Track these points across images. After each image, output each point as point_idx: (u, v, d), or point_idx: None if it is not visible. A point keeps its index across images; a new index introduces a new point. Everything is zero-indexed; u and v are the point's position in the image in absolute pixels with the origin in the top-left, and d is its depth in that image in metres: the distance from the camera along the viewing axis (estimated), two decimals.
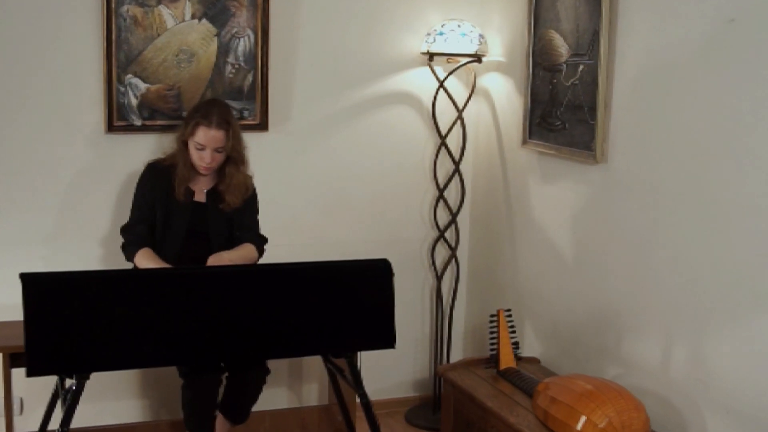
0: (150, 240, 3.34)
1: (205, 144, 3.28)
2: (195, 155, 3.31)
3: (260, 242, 3.48)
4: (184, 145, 3.33)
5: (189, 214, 3.37)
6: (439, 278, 4.21)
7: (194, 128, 3.28)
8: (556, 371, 3.58)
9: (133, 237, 3.34)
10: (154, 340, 2.78)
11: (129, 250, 3.33)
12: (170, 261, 3.30)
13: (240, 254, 3.34)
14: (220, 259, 3.25)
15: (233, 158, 3.37)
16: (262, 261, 3.47)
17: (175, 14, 3.60)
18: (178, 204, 3.35)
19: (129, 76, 3.58)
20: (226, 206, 3.38)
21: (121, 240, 3.39)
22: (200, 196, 3.41)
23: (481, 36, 3.86)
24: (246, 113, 3.76)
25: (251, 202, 3.49)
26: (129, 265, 3.42)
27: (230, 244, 3.41)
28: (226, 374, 3.42)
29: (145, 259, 3.27)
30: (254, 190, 3.50)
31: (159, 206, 3.35)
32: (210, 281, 2.89)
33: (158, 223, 3.36)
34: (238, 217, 3.43)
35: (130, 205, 3.42)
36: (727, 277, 2.74)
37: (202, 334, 2.83)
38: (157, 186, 3.35)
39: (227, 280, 2.91)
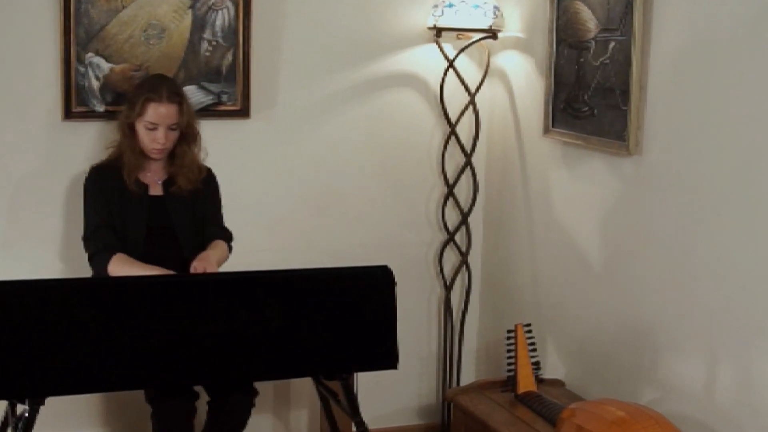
0: (120, 244, 3.35)
1: (157, 122, 3.32)
2: (146, 137, 3.34)
3: (229, 238, 3.55)
4: (130, 129, 3.36)
5: (147, 210, 3.40)
6: (447, 288, 4.21)
7: (143, 106, 3.31)
8: (583, 396, 3.59)
9: (100, 244, 3.33)
10: (119, 359, 2.78)
11: (99, 260, 3.31)
12: None
13: (219, 254, 3.42)
14: (208, 261, 3.29)
15: (186, 135, 3.42)
16: (244, 267, 3.47)
17: None
18: (133, 200, 3.38)
19: (90, 54, 3.58)
20: (176, 189, 3.42)
21: (83, 253, 3.38)
22: (156, 189, 3.44)
23: (496, 8, 3.86)
24: (225, 98, 3.76)
25: (213, 191, 3.55)
26: (90, 273, 3.42)
27: (198, 238, 3.45)
28: (207, 400, 3.42)
29: (123, 265, 3.27)
30: (214, 177, 3.56)
31: (113, 206, 3.36)
32: (183, 291, 2.89)
33: (115, 225, 3.37)
34: (202, 208, 3.48)
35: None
36: None
37: (174, 353, 2.83)
38: (106, 186, 3.38)
39: (203, 290, 2.90)
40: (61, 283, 3.01)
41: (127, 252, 3.34)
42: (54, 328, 2.71)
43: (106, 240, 3.33)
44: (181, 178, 3.43)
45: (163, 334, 2.82)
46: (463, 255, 4.19)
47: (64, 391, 2.83)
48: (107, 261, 3.29)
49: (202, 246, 3.44)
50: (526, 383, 3.49)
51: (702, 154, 3.00)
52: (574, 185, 3.65)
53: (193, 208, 3.47)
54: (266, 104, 3.87)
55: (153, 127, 3.32)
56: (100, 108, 3.62)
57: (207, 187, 3.52)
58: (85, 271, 3.46)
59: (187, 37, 3.69)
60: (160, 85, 3.35)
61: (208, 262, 3.29)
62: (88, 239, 3.37)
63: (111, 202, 3.37)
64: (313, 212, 4.01)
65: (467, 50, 3.97)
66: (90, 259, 3.36)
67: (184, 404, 3.29)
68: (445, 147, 4.09)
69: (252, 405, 3.42)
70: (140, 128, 3.34)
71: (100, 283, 3.02)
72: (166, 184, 3.45)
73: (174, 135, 3.37)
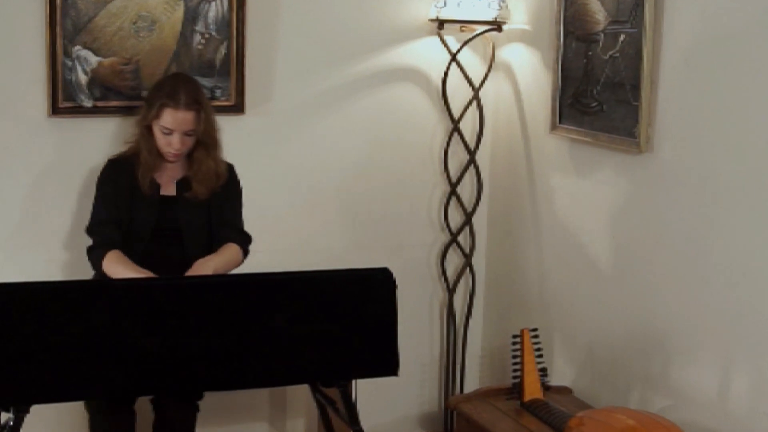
0: (121, 240, 3.36)
1: (172, 128, 3.33)
2: (161, 140, 3.36)
3: (244, 242, 3.53)
4: (147, 129, 3.38)
5: (156, 210, 3.41)
6: (450, 291, 4.21)
7: (160, 110, 3.32)
8: (591, 404, 3.58)
9: (99, 238, 3.36)
10: (108, 366, 2.78)
11: (95, 255, 3.34)
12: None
13: (225, 259, 3.39)
14: (204, 267, 3.28)
15: (204, 142, 3.42)
16: (238, 270, 3.47)
17: None
18: (143, 199, 3.39)
19: (77, 47, 3.57)
20: (191, 195, 3.43)
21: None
22: (169, 189, 3.45)
23: None
24: (218, 92, 3.76)
25: (233, 192, 3.55)
26: (78, 275, 3.41)
27: (208, 242, 3.45)
28: (150, 398, 3.46)
29: (115, 264, 3.28)
30: (235, 177, 3.56)
31: (123, 202, 3.38)
32: (175, 295, 2.88)
33: (122, 221, 3.39)
34: (218, 209, 3.48)
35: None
36: None
37: (165, 359, 2.83)
38: (119, 181, 3.40)
39: (195, 294, 2.90)
40: (48, 286, 2.99)
41: (131, 249, 3.35)
42: (39, 334, 2.71)
43: (107, 235, 3.35)
44: (196, 184, 3.43)
45: (154, 340, 2.81)
46: (467, 257, 4.18)
47: (50, 398, 2.82)
48: (102, 257, 3.31)
49: (211, 249, 3.43)
50: (532, 390, 3.49)
51: (715, 152, 2.99)
52: (583, 184, 3.65)
53: (208, 211, 3.47)
54: (261, 99, 3.86)
55: (168, 132, 3.33)
56: (88, 103, 3.61)
57: (226, 188, 3.50)
58: (78, 272, 3.45)
59: (179, 30, 3.68)
60: (178, 90, 3.34)
61: (201, 271, 3.28)
62: (90, 231, 3.40)
63: (121, 198, 3.38)
64: (310, 212, 4.01)
65: (471, 43, 3.96)
66: (89, 251, 3.39)
67: (125, 417, 3.37)
68: (447, 144, 4.09)
69: (196, 414, 3.46)
70: (156, 131, 3.35)
71: (89, 288, 3.01)
72: (181, 184, 3.45)
73: (190, 140, 3.38)
